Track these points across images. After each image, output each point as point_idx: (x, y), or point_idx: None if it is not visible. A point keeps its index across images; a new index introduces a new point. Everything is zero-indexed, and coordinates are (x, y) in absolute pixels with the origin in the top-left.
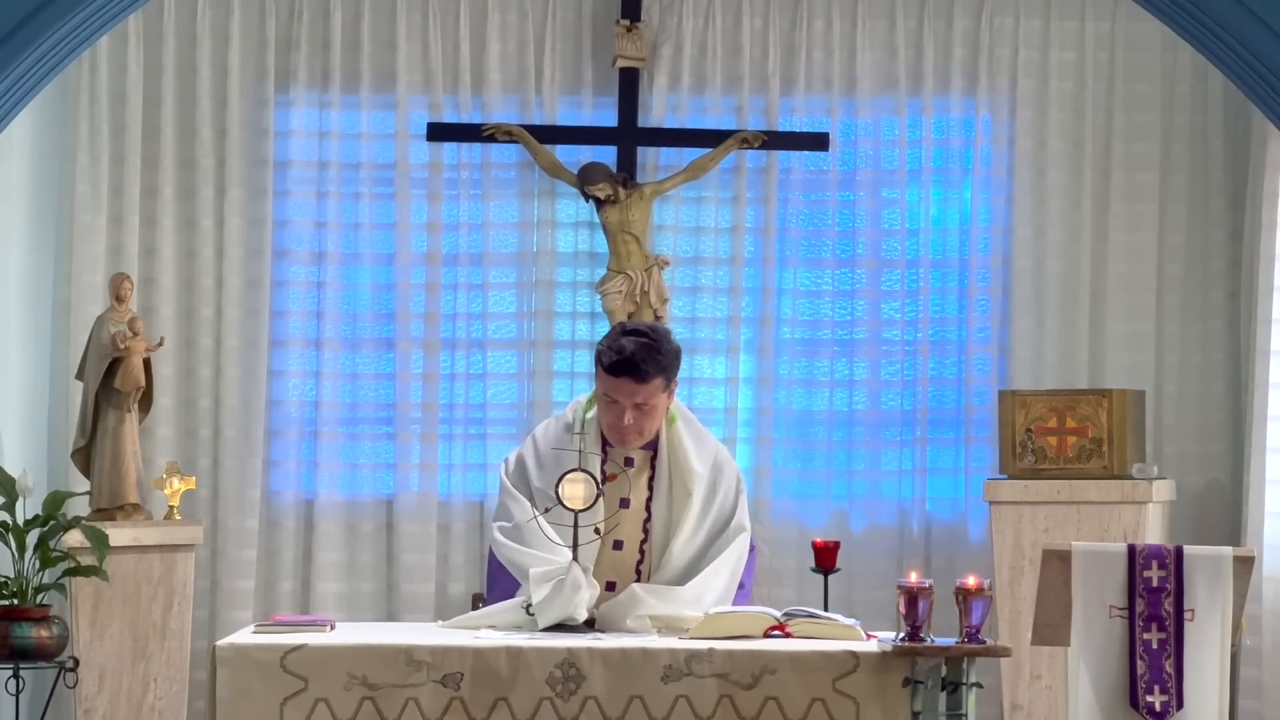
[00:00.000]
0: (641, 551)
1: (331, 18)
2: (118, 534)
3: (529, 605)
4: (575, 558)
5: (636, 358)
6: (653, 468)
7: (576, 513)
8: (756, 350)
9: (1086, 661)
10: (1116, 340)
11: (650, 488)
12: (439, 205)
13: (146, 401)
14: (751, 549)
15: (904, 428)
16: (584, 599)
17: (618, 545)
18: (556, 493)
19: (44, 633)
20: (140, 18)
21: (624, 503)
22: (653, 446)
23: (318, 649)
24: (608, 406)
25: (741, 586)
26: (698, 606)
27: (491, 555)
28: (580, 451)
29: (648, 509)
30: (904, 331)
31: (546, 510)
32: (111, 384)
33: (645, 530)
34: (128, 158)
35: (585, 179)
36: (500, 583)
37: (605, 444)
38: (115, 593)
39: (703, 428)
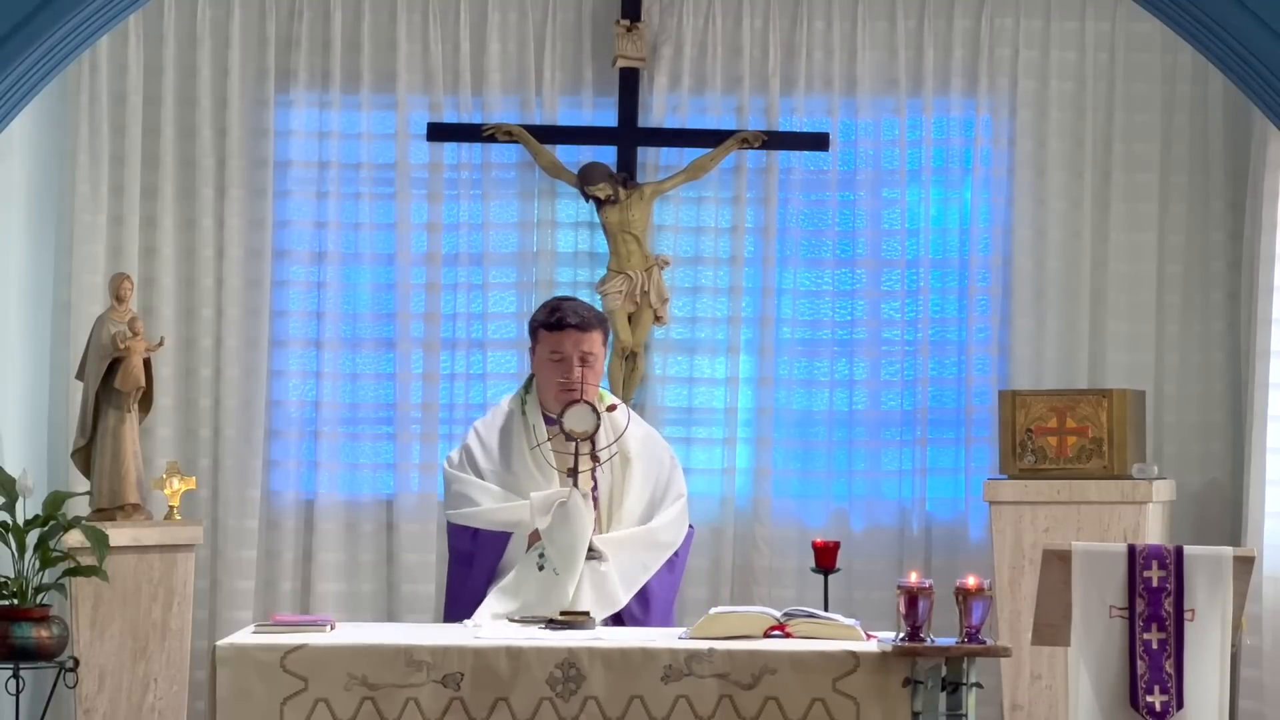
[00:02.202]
0: None
1: (331, 18)
2: (118, 534)
3: (540, 555)
4: (575, 484)
5: (576, 311)
6: (593, 441)
7: (578, 440)
8: (756, 350)
9: (1086, 661)
10: (1116, 340)
11: (594, 458)
12: (439, 205)
13: (146, 401)
14: (691, 532)
15: (904, 428)
16: (588, 529)
17: None
18: (560, 424)
19: (44, 633)
20: (140, 18)
21: (571, 473)
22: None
23: (318, 649)
24: (554, 366)
25: (676, 556)
26: (615, 549)
27: (453, 548)
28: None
29: (593, 478)
30: (904, 331)
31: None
32: (111, 384)
33: (594, 498)
34: (128, 158)
35: (585, 179)
36: (460, 577)
37: (548, 423)
38: (115, 593)
39: (630, 409)
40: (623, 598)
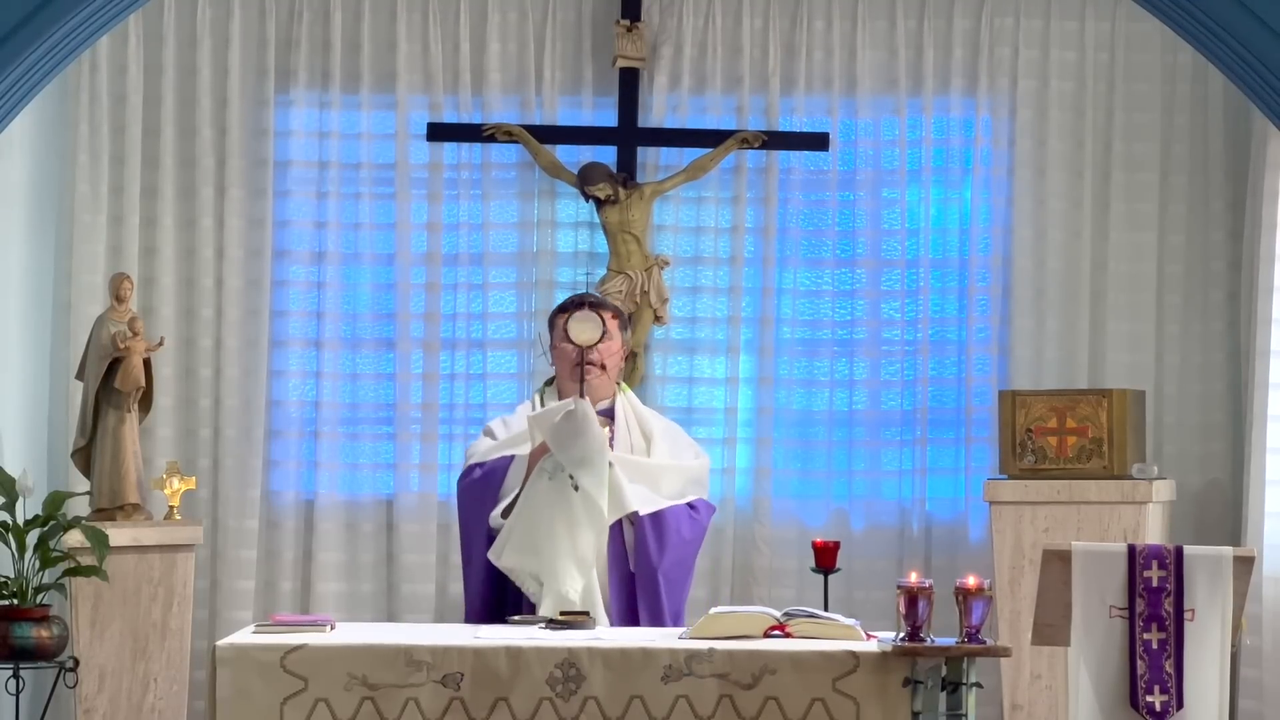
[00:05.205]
0: None
1: (331, 18)
2: (118, 534)
3: (552, 468)
4: (582, 394)
5: (590, 297)
6: (612, 430)
7: (583, 349)
8: (756, 350)
9: (1086, 661)
10: (1116, 340)
11: (611, 446)
12: (439, 205)
13: (146, 401)
14: (712, 508)
15: (904, 428)
16: (603, 436)
17: None
18: (565, 331)
19: (44, 633)
20: (140, 18)
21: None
22: (609, 413)
23: (318, 649)
24: (571, 350)
25: (696, 510)
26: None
27: (461, 504)
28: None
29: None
30: (904, 331)
31: (553, 347)
32: (111, 384)
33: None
34: (128, 158)
35: (585, 179)
36: (473, 524)
37: None
38: (115, 593)
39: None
40: (632, 503)
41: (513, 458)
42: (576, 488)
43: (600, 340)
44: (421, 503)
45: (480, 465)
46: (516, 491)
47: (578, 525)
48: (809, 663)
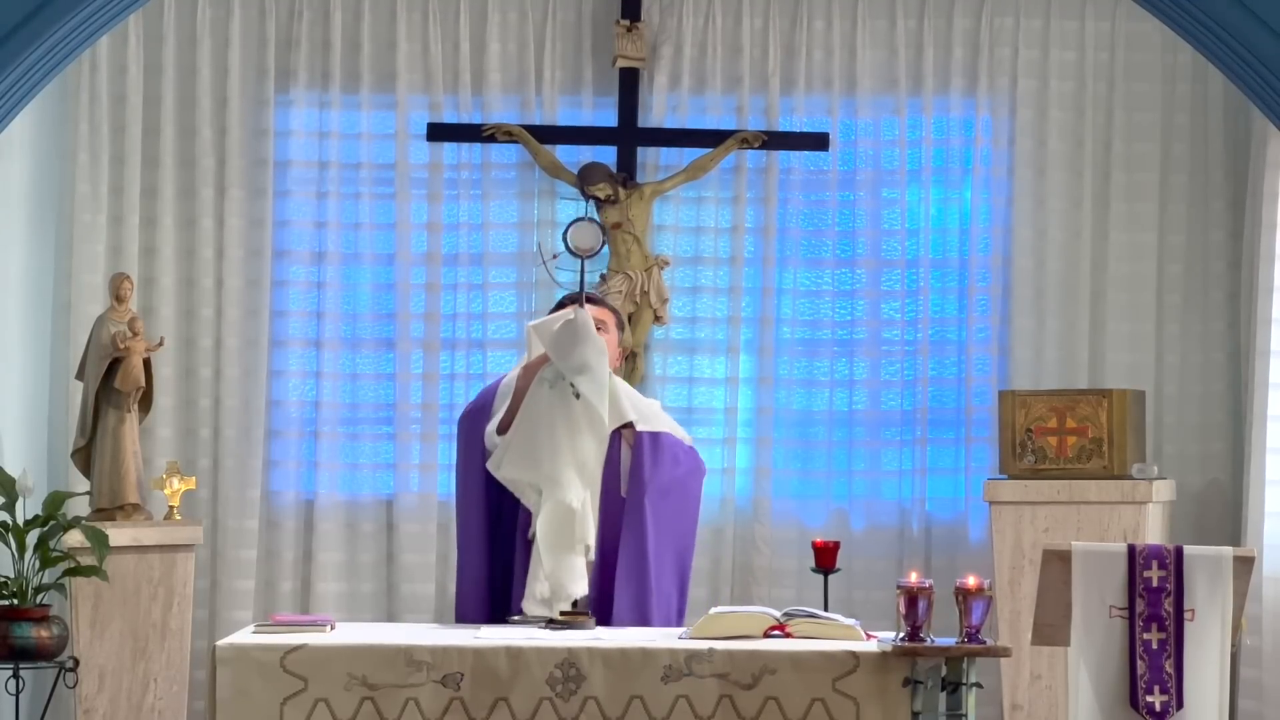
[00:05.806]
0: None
1: (331, 18)
2: (118, 534)
3: (552, 376)
4: (582, 304)
5: (589, 295)
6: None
7: (583, 259)
8: (756, 350)
9: (1086, 661)
10: (1116, 340)
11: None
12: (439, 205)
13: (146, 401)
14: (702, 472)
15: (904, 428)
16: (603, 343)
17: None
18: (565, 242)
19: (44, 633)
20: (140, 18)
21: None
22: None
23: (318, 649)
24: None
25: (690, 449)
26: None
27: (459, 437)
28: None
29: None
30: (904, 331)
31: (555, 256)
32: (111, 384)
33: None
34: (128, 158)
35: (585, 179)
36: (471, 450)
37: None
38: (115, 593)
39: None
40: (630, 412)
41: (495, 385)
42: (577, 395)
43: (600, 248)
44: (421, 503)
45: (468, 412)
46: (507, 405)
47: (579, 433)
48: (809, 663)
